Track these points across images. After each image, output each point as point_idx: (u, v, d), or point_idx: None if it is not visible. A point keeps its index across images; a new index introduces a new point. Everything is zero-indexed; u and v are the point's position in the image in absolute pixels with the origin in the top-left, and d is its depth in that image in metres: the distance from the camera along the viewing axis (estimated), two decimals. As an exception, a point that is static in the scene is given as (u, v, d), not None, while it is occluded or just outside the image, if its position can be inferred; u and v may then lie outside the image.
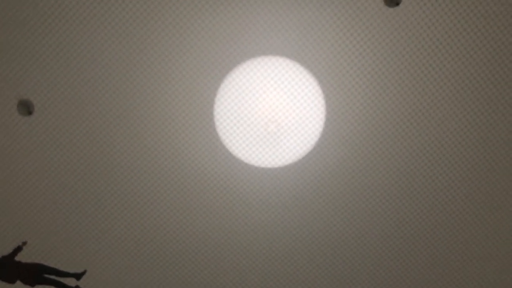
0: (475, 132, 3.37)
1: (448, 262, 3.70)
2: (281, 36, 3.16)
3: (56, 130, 3.33)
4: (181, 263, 3.69)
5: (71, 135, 3.35)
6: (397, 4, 3.06)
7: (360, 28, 3.14)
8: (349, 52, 3.18)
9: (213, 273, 3.72)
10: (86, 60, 3.19)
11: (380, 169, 3.44)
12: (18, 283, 3.36)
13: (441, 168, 3.46)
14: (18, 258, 3.34)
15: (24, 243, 3.31)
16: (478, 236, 3.63)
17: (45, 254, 3.61)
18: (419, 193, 3.52)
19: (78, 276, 3.37)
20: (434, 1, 3.07)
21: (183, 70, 3.22)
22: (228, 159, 3.39)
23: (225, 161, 3.40)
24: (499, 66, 3.23)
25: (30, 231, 3.56)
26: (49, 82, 3.23)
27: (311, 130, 3.26)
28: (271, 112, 3.19)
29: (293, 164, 3.40)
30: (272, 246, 3.65)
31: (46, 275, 3.32)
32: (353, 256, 3.68)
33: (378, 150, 3.40)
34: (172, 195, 3.50)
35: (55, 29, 3.12)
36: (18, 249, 3.28)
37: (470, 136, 3.38)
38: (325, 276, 3.73)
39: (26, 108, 3.25)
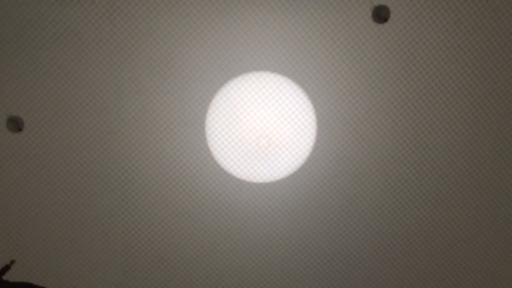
0: (467, 149, 3.41)
1: (445, 276, 3.70)
2: (272, 52, 3.19)
3: (46, 146, 3.31)
4: (171, 280, 3.65)
5: (61, 151, 3.32)
6: (385, 20, 3.11)
7: (349, 44, 3.18)
8: (339, 67, 3.22)
9: (205, 291, 3.68)
10: (76, 76, 3.19)
11: (372, 183, 3.46)
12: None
13: (434, 183, 3.48)
14: (5, 277, 3.28)
15: (13, 262, 3.25)
16: (473, 253, 3.64)
17: (35, 272, 3.55)
18: (411, 207, 3.53)
19: None
20: (422, 18, 3.13)
21: (174, 86, 3.23)
22: (220, 174, 3.38)
23: (216, 176, 3.39)
24: (490, 81, 3.28)
25: (19, 248, 3.51)
26: (39, 99, 3.22)
27: (303, 145, 3.27)
28: (263, 127, 3.20)
29: (285, 179, 3.40)
30: (264, 261, 3.63)
31: None
32: (345, 270, 3.67)
33: (370, 164, 3.42)
34: (163, 211, 3.48)
35: (45, 45, 3.12)
36: (6, 268, 3.22)
37: (466, 150, 3.41)
38: (318, 292, 3.70)
39: (15, 124, 3.23)
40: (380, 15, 3.09)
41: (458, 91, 3.30)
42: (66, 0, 3.05)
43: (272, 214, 3.51)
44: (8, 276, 3.32)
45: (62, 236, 3.51)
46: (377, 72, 3.24)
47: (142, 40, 3.14)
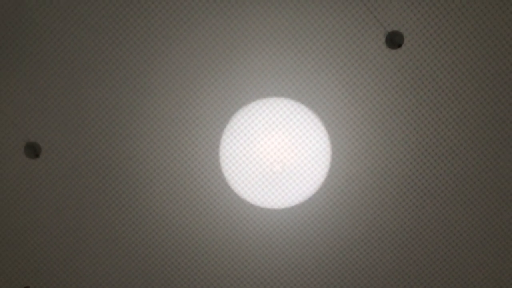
0: (486, 175, 3.35)
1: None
2: (285, 78, 3.21)
3: (62, 172, 3.35)
4: (185, 309, 3.61)
5: (77, 177, 3.36)
6: (399, 46, 3.12)
7: (363, 69, 3.19)
8: (353, 92, 3.22)
9: (219, 319, 3.62)
10: (93, 102, 3.24)
11: (389, 209, 3.40)
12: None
13: (451, 209, 3.41)
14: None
15: None
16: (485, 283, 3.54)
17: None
18: (429, 234, 3.46)
19: None
20: (436, 43, 3.13)
21: (189, 113, 3.26)
22: (234, 200, 3.37)
23: (230, 202, 3.38)
24: (508, 106, 3.24)
25: (37, 272, 3.51)
26: (56, 125, 3.27)
27: (317, 171, 3.24)
28: (276, 153, 3.19)
29: (299, 205, 3.37)
30: (279, 290, 3.57)
31: None
32: (363, 301, 3.58)
33: (386, 191, 3.37)
34: (177, 237, 3.47)
35: (62, 72, 3.19)
36: None
37: (485, 176, 3.35)
38: (334, 322, 3.61)
39: (33, 150, 3.28)
40: (394, 40, 3.10)
41: (475, 115, 3.27)
42: (81, 26, 3.13)
43: (286, 241, 3.46)
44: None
45: (78, 261, 3.51)
46: (391, 97, 3.23)
47: (156, 66, 3.19)
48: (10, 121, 3.25)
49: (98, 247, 3.48)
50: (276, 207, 3.32)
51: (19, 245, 3.47)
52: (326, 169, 3.28)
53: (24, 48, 3.17)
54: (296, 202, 3.31)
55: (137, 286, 3.55)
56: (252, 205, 3.36)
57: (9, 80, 3.21)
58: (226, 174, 3.28)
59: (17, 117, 3.25)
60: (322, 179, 3.29)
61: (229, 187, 3.34)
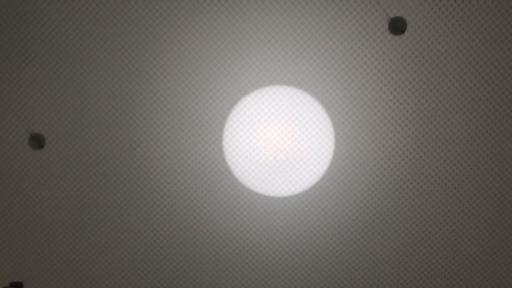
0: (490, 161, 3.34)
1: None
2: (288, 66, 3.20)
3: (67, 163, 3.36)
4: (191, 297, 3.64)
5: (82, 168, 3.37)
6: (402, 31, 3.09)
7: (366, 56, 3.17)
8: (356, 80, 3.21)
9: (224, 307, 3.65)
10: (96, 93, 3.24)
11: (393, 196, 3.41)
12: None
13: (456, 195, 3.41)
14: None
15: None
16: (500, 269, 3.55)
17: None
18: (433, 221, 3.47)
19: None
20: (439, 28, 3.10)
21: (192, 101, 3.26)
22: (237, 188, 3.38)
23: (234, 190, 3.39)
24: (510, 93, 3.23)
25: (39, 265, 3.54)
26: (60, 116, 3.28)
27: (321, 158, 3.25)
28: (280, 141, 3.20)
29: (303, 193, 3.38)
30: (283, 277, 3.59)
31: None
32: (364, 286, 3.60)
33: (390, 177, 3.37)
34: (181, 226, 3.49)
35: (66, 64, 3.19)
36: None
37: (489, 162, 3.35)
38: (339, 308, 3.64)
39: (37, 141, 3.29)
40: (397, 26, 3.08)
41: (478, 101, 3.25)
42: (82, 16, 3.13)
43: (290, 229, 3.48)
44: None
45: (80, 255, 3.54)
46: (394, 84, 3.21)
47: (159, 56, 3.18)
48: (14, 113, 3.26)
49: (102, 238, 3.50)
50: (279, 195, 3.33)
51: (25, 235, 3.50)
52: (330, 157, 3.28)
53: (29, 40, 3.16)
54: (300, 190, 3.32)
55: (141, 273, 3.58)
56: (255, 193, 3.38)
57: (13, 71, 3.21)
58: (230, 163, 3.29)
59: (21, 108, 3.26)
60: (325, 167, 3.29)
61: (233, 176, 3.35)
